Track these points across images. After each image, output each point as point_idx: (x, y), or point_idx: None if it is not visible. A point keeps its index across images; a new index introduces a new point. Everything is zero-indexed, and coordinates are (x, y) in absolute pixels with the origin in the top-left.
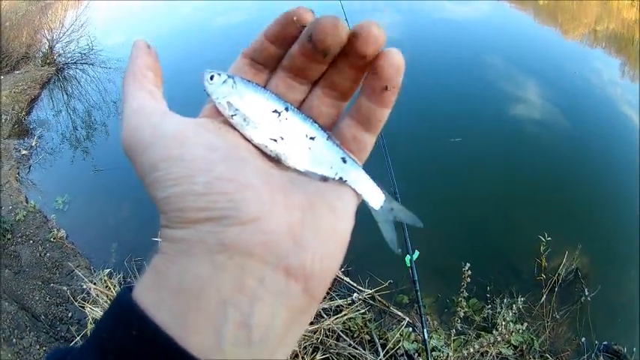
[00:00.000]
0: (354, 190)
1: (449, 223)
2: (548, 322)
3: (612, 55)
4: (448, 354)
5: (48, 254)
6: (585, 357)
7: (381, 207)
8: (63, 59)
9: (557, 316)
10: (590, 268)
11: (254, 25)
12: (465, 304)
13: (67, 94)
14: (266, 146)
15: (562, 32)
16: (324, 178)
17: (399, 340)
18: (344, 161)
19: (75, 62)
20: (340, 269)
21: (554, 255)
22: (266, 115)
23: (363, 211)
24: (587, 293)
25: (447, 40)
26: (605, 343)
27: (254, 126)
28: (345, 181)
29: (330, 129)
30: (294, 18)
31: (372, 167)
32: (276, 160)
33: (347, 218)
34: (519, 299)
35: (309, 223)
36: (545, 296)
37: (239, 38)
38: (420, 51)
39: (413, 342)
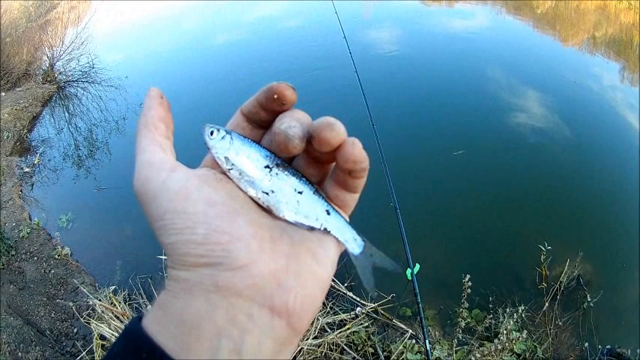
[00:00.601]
0: (337, 239)
1: (451, 235)
2: (550, 329)
3: (612, 59)
4: None
5: (53, 271)
6: None
7: (362, 254)
8: (64, 77)
9: (560, 323)
10: (592, 274)
11: (255, 44)
12: (466, 314)
13: (68, 112)
14: (259, 198)
15: (561, 40)
16: (311, 228)
17: (403, 352)
18: (328, 213)
19: (76, 80)
20: (343, 284)
21: (556, 263)
22: (259, 171)
23: (369, 229)
24: (589, 299)
25: (446, 52)
26: (608, 347)
27: (248, 180)
28: (329, 231)
29: (318, 184)
30: (275, 96)
31: (372, 182)
32: (269, 210)
33: (327, 264)
34: (520, 308)
35: (291, 269)
36: (547, 304)
37: (240, 56)
38: (420, 64)
39: (416, 353)
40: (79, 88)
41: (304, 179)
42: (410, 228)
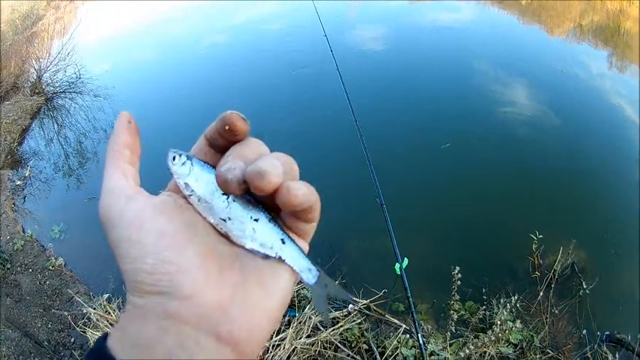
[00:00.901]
0: (292, 269)
1: (440, 228)
2: (546, 318)
3: (599, 47)
4: (446, 357)
5: (48, 282)
6: (588, 349)
7: (316, 283)
8: (51, 89)
9: (556, 311)
10: (587, 261)
11: (239, 47)
12: (457, 306)
13: (57, 123)
14: (217, 225)
15: (547, 30)
16: (266, 256)
17: (397, 347)
18: (283, 242)
19: (64, 91)
20: (335, 281)
21: (549, 252)
22: (216, 198)
23: (356, 227)
24: (584, 286)
25: (431, 47)
26: (607, 332)
27: (206, 206)
28: (284, 260)
29: (276, 212)
30: (226, 127)
31: (358, 179)
32: (227, 237)
33: (277, 294)
34: (513, 298)
35: (237, 299)
36: (542, 293)
37: (224, 60)
38: (405, 60)
39: (411, 348)
40: (66, 99)
41: (260, 207)
42: (398, 222)
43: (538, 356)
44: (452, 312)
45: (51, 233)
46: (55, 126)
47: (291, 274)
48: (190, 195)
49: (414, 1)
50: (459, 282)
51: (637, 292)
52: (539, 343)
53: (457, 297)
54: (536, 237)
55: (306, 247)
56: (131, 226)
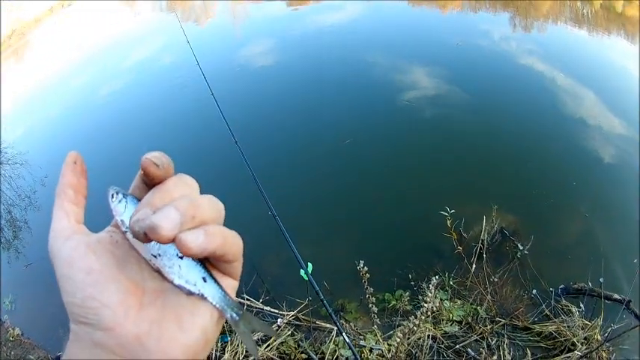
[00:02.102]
0: (215, 306)
1: (353, 225)
2: (486, 287)
3: (499, 11)
4: (380, 349)
5: (12, 352)
6: (544, 306)
7: (239, 321)
8: None
9: (496, 279)
10: (518, 223)
11: (134, 89)
12: (374, 299)
13: None
14: (149, 260)
15: (439, 7)
16: (190, 293)
17: (335, 350)
18: (204, 280)
19: None
20: (259, 300)
21: (474, 224)
22: None
23: (266, 242)
24: (520, 248)
25: (318, 51)
26: (562, 286)
27: (139, 243)
28: (206, 297)
29: None
30: (141, 172)
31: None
32: (159, 272)
33: (194, 330)
34: (434, 278)
35: (153, 334)
36: (474, 265)
37: (124, 104)
38: (300, 68)
39: (349, 349)
40: None
41: None
42: (311, 228)
43: (489, 327)
44: (371, 305)
45: (4, 305)
46: None
47: (212, 311)
48: (126, 231)
49: (293, 4)
50: (367, 275)
51: (586, 240)
52: (486, 314)
53: (371, 290)
54: (448, 213)
55: (234, 284)
56: (64, 263)
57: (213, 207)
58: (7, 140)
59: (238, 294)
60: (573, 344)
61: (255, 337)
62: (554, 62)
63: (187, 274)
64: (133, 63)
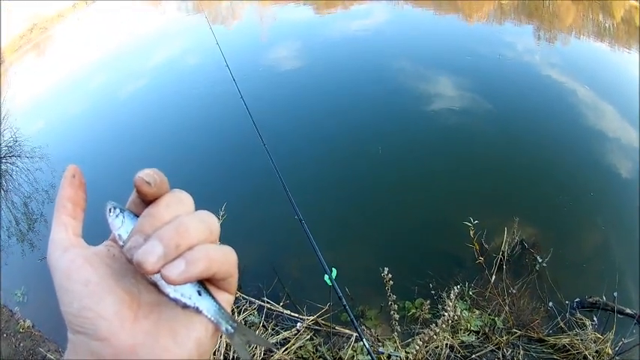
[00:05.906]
0: (209, 319)
1: (378, 233)
2: (505, 299)
3: (523, 23)
4: (399, 356)
5: (22, 344)
6: (559, 318)
7: (234, 333)
8: None
9: (514, 291)
10: (537, 236)
11: (158, 88)
12: (397, 306)
13: (2, 189)
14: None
15: (465, 17)
16: (185, 306)
17: (353, 356)
18: (199, 294)
19: (4, 156)
20: (279, 303)
21: (495, 235)
22: None
23: (289, 246)
24: (539, 260)
25: (347, 57)
26: (577, 299)
27: None
28: (201, 311)
29: None
30: (135, 189)
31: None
32: (155, 285)
33: (187, 343)
34: (455, 288)
35: (147, 345)
36: (494, 276)
37: (146, 103)
38: (323, 74)
39: (367, 354)
40: (8, 164)
41: None
42: (333, 233)
43: (505, 337)
44: (392, 312)
45: (15, 297)
46: (2, 192)
47: (207, 324)
48: (122, 246)
49: (321, 11)
50: (391, 282)
51: (601, 254)
52: (503, 325)
53: (394, 297)
54: (472, 223)
55: (230, 299)
56: (62, 275)
57: (201, 228)
58: (26, 133)
59: (259, 297)
60: (585, 357)
61: (274, 341)
62: (577, 75)
63: (183, 288)
64: (158, 62)
